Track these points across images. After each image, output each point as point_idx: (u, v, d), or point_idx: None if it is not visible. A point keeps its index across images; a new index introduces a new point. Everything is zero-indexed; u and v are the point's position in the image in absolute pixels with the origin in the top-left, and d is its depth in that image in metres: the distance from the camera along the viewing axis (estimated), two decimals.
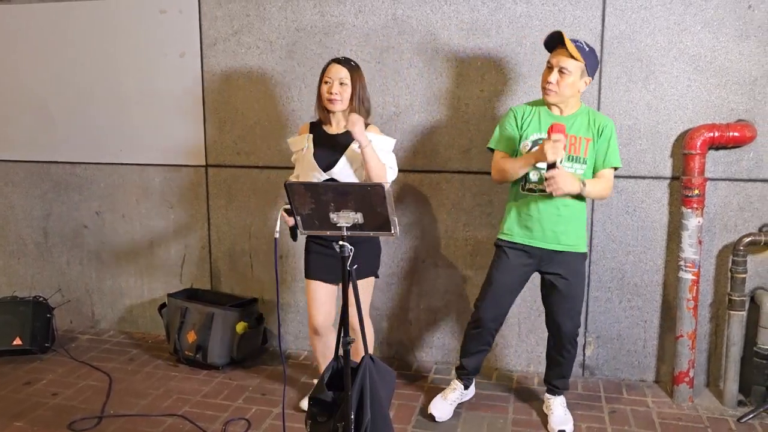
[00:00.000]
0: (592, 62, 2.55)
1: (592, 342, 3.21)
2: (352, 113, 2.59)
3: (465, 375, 2.89)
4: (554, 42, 2.54)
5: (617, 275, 3.12)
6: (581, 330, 3.19)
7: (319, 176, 2.64)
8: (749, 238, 2.86)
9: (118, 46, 3.61)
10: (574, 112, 2.61)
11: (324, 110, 2.69)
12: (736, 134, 2.84)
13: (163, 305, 3.55)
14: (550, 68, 2.55)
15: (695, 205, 2.87)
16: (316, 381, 2.77)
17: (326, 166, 2.64)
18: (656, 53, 2.94)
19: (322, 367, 2.84)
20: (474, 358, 2.84)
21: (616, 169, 2.64)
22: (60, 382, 3.19)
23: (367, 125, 2.69)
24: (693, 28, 2.89)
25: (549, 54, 2.58)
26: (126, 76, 3.62)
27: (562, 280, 2.65)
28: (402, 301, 3.39)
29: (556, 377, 2.82)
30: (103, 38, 3.62)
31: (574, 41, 2.51)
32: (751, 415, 2.79)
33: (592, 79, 2.60)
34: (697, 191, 2.86)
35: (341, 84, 2.63)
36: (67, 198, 3.84)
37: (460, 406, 2.92)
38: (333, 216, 2.00)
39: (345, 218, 1.99)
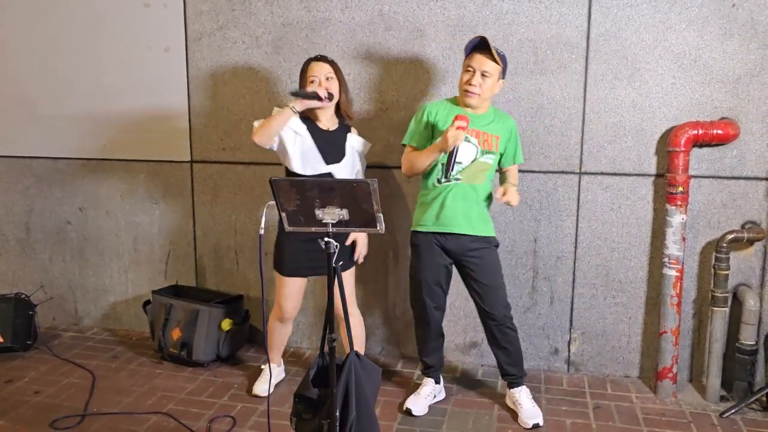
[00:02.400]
0: (505, 65, 2.71)
1: (577, 338, 3.23)
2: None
3: (430, 371, 2.95)
4: (475, 47, 2.66)
5: (602, 272, 3.14)
6: (566, 326, 3.22)
7: (321, 169, 2.71)
8: (732, 235, 2.89)
9: (102, 40, 3.56)
10: (486, 113, 2.74)
11: (312, 108, 2.72)
12: (719, 132, 2.87)
13: (147, 302, 3.52)
14: (470, 71, 2.65)
15: (679, 202, 2.89)
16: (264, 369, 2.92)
17: (332, 160, 2.73)
18: (641, 51, 2.95)
19: (277, 357, 3.04)
20: (426, 353, 2.93)
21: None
22: (42, 380, 3.15)
23: (350, 126, 2.83)
24: (678, 26, 2.91)
25: (466, 60, 2.68)
26: (110, 71, 3.58)
27: (477, 265, 2.73)
28: (388, 298, 3.39)
29: (508, 364, 2.83)
30: (87, 32, 3.58)
31: (493, 47, 2.64)
32: (733, 410, 2.83)
33: (504, 81, 2.75)
34: (681, 188, 2.88)
35: (328, 79, 2.70)
36: (50, 193, 3.79)
37: (446, 402, 2.93)
38: (318, 212, 1.99)
39: (330, 215, 1.98)
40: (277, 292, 2.90)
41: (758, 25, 2.84)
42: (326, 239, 2.01)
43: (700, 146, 2.94)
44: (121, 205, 3.70)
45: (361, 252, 2.87)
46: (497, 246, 2.80)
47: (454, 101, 2.79)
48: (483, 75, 2.62)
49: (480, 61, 2.62)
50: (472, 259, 2.73)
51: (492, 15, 3.06)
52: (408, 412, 2.81)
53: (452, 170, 2.58)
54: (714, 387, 2.95)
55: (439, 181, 2.72)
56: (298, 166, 2.73)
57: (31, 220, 3.85)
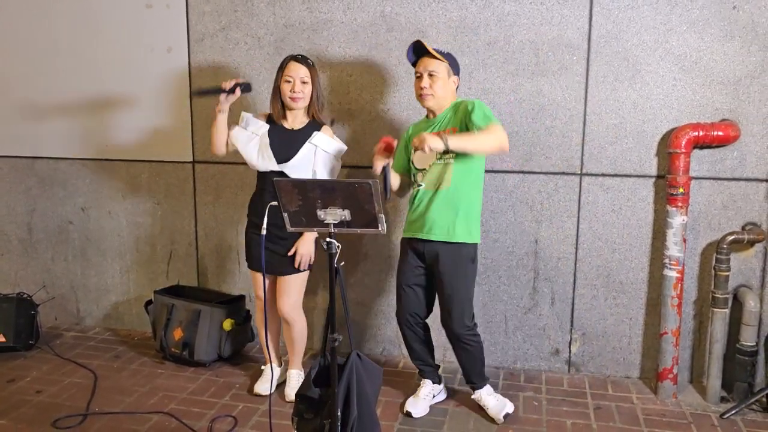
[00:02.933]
0: (453, 62, 2.73)
1: (577, 339, 3.23)
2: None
3: (423, 373, 2.95)
4: (417, 55, 2.72)
5: (603, 273, 3.15)
6: (567, 327, 3.23)
7: (271, 166, 2.78)
8: (733, 237, 2.90)
9: (104, 41, 3.57)
10: (443, 112, 2.74)
11: (281, 106, 2.81)
12: (720, 133, 2.87)
13: (149, 302, 3.53)
14: (419, 77, 2.70)
15: (680, 204, 2.90)
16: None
17: (282, 159, 2.77)
18: (642, 53, 2.96)
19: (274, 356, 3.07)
20: (414, 354, 2.92)
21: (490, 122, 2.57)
22: (44, 380, 3.16)
23: (322, 124, 2.86)
24: (679, 28, 2.91)
25: (415, 68, 2.73)
26: (112, 71, 3.59)
27: (441, 273, 2.72)
28: (389, 299, 3.39)
29: (466, 373, 2.86)
30: (90, 33, 3.59)
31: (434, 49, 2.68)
32: (733, 411, 2.83)
33: (459, 77, 2.78)
34: (681, 190, 2.89)
35: (303, 83, 2.77)
36: (52, 194, 3.80)
37: (447, 403, 2.94)
38: (320, 213, 2.00)
39: (332, 215, 1.99)
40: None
41: (759, 27, 2.85)
42: (327, 240, 2.01)
43: (701, 148, 2.95)
44: (123, 205, 3.71)
45: (302, 258, 2.82)
46: (472, 258, 2.73)
47: (426, 117, 2.82)
48: (430, 75, 2.65)
49: (424, 63, 2.67)
50: (437, 266, 2.71)
51: (493, 16, 3.07)
52: (408, 414, 2.81)
53: (387, 194, 2.60)
54: (714, 388, 2.96)
55: (416, 186, 2.77)
56: (252, 164, 2.84)
57: (33, 220, 3.86)
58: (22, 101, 3.76)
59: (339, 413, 2.06)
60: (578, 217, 3.13)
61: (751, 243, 2.94)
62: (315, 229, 2.06)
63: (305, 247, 2.82)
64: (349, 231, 2.03)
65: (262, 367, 3.12)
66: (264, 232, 2.13)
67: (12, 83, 3.76)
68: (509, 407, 2.80)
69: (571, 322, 3.22)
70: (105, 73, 3.60)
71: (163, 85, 3.53)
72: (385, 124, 3.25)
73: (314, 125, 2.84)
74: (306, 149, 2.78)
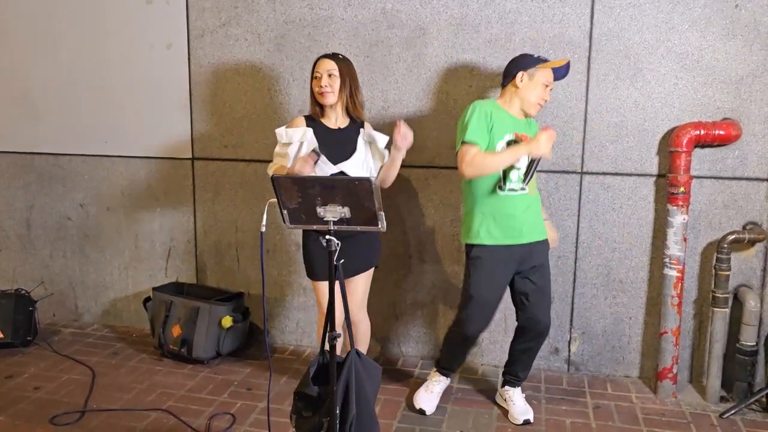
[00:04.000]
0: None
1: (577, 338, 3.23)
2: (404, 127, 2.61)
3: (447, 371, 2.94)
4: (562, 72, 2.71)
5: (603, 271, 3.14)
6: (567, 326, 3.22)
7: (328, 170, 2.62)
8: (733, 236, 2.89)
9: (103, 37, 3.56)
10: (530, 119, 2.74)
11: (317, 105, 2.69)
12: (721, 133, 2.86)
13: (147, 299, 3.52)
14: (548, 87, 2.66)
15: (681, 203, 2.89)
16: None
17: (339, 159, 2.64)
18: (644, 51, 2.95)
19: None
20: (460, 360, 2.93)
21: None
22: (42, 376, 3.15)
23: (362, 122, 2.75)
24: (681, 26, 2.90)
25: (543, 74, 2.65)
26: (112, 67, 3.57)
27: (538, 271, 2.70)
28: (388, 296, 3.39)
29: (523, 369, 2.85)
30: (89, 28, 3.57)
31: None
32: (733, 411, 2.83)
33: None
34: (682, 189, 2.88)
35: (330, 76, 2.63)
36: (51, 190, 3.79)
37: (446, 401, 2.93)
38: (320, 210, 1.98)
39: (332, 212, 1.98)
40: (317, 300, 2.80)
41: (761, 26, 2.84)
42: (327, 237, 2.00)
43: (702, 147, 2.94)
44: (122, 201, 3.70)
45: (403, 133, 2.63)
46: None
47: (496, 104, 2.68)
48: (547, 88, 2.66)
49: (552, 77, 2.66)
50: (534, 265, 2.68)
51: (495, 14, 3.06)
52: (421, 412, 2.81)
53: (531, 177, 2.57)
54: (714, 387, 2.95)
55: (500, 188, 2.61)
56: (303, 173, 2.68)
57: (32, 216, 3.85)
58: (21, 97, 3.75)
59: (338, 411, 2.05)
60: (578, 215, 3.12)
61: (752, 242, 2.94)
62: (314, 227, 2.05)
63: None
64: (348, 228, 2.02)
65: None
66: (263, 229, 2.11)
67: (11, 79, 3.75)
68: (531, 415, 2.76)
69: (571, 321, 3.22)
70: (105, 69, 3.59)
71: (162, 81, 3.51)
72: (385, 122, 3.24)
73: (356, 122, 2.73)
74: (361, 145, 2.69)
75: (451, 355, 2.89)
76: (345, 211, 1.97)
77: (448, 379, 2.96)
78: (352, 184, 1.96)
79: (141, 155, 3.62)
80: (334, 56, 2.68)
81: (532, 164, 2.58)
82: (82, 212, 3.77)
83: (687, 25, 2.90)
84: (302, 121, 2.69)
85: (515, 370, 2.85)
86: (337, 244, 2.00)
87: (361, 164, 2.68)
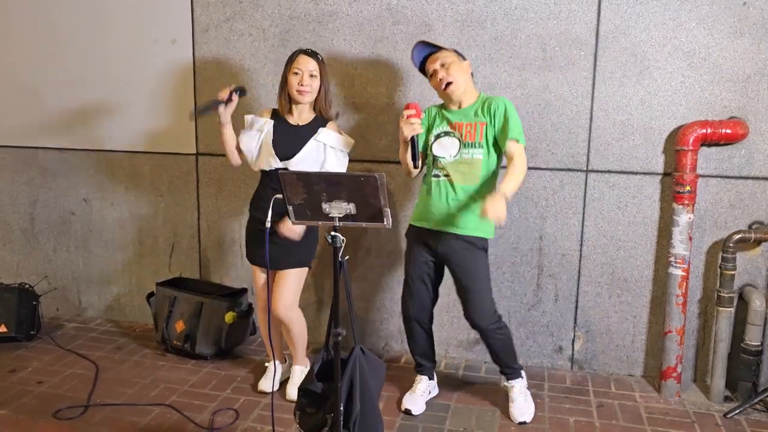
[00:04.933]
0: (454, 50, 2.72)
1: (581, 336, 3.22)
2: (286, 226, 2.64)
3: (422, 368, 2.93)
4: (421, 59, 2.71)
5: (607, 270, 3.13)
6: (571, 324, 3.21)
7: (273, 164, 2.71)
8: (739, 235, 2.88)
9: (108, 31, 3.56)
10: (472, 103, 2.69)
11: (288, 100, 2.75)
12: (728, 131, 2.85)
13: (151, 294, 3.52)
14: (433, 74, 2.65)
15: (686, 202, 2.88)
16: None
17: (284, 156, 2.70)
18: (651, 49, 2.94)
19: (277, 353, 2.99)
20: (418, 348, 2.90)
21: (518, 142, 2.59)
22: (46, 370, 3.15)
23: (328, 120, 2.80)
24: (688, 24, 2.89)
25: (425, 70, 2.72)
26: (116, 62, 3.57)
27: (459, 268, 2.69)
28: (392, 293, 3.38)
29: (497, 362, 2.85)
30: (94, 23, 3.57)
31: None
32: (737, 411, 2.82)
33: (468, 60, 2.74)
34: (688, 187, 2.87)
35: (311, 76, 2.70)
36: (55, 184, 3.79)
37: (449, 398, 2.93)
38: (325, 206, 1.98)
39: (337, 209, 1.97)
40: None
41: None
42: (332, 233, 2.00)
43: (709, 145, 2.92)
44: (125, 196, 3.70)
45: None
46: (485, 249, 2.70)
47: (441, 105, 2.77)
48: (443, 66, 2.62)
49: (432, 60, 2.65)
50: (453, 260, 2.68)
51: (500, 10, 3.04)
52: (408, 412, 2.79)
53: (417, 159, 2.62)
54: (718, 387, 2.94)
55: (431, 176, 2.70)
56: (254, 163, 2.80)
57: (36, 211, 3.85)
58: (25, 92, 3.75)
59: (342, 408, 2.05)
60: (583, 213, 3.11)
61: (758, 242, 2.92)
62: (319, 223, 2.04)
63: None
64: (354, 225, 2.01)
65: (266, 364, 3.11)
66: (268, 225, 2.11)
67: (15, 74, 3.74)
68: (529, 416, 2.74)
69: (575, 319, 3.21)
70: (109, 64, 3.58)
71: (167, 76, 3.51)
72: (390, 119, 3.23)
73: (320, 121, 2.78)
74: (310, 146, 2.71)
75: (408, 343, 2.92)
76: (350, 207, 1.97)
77: (425, 377, 2.91)
78: (358, 180, 1.95)
79: (145, 150, 3.62)
80: (315, 56, 2.74)
81: (413, 147, 2.60)
82: (86, 207, 3.77)
83: (694, 22, 2.88)
84: (268, 113, 2.83)
85: (496, 363, 2.87)
86: (343, 240, 2.00)
87: (308, 163, 2.71)
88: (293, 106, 2.77)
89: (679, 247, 2.91)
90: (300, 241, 2.74)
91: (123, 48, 3.55)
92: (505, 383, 2.86)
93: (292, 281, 2.80)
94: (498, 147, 2.64)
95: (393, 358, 3.37)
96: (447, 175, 2.64)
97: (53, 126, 3.73)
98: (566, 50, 3.01)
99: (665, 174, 3.01)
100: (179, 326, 3.31)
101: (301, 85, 2.68)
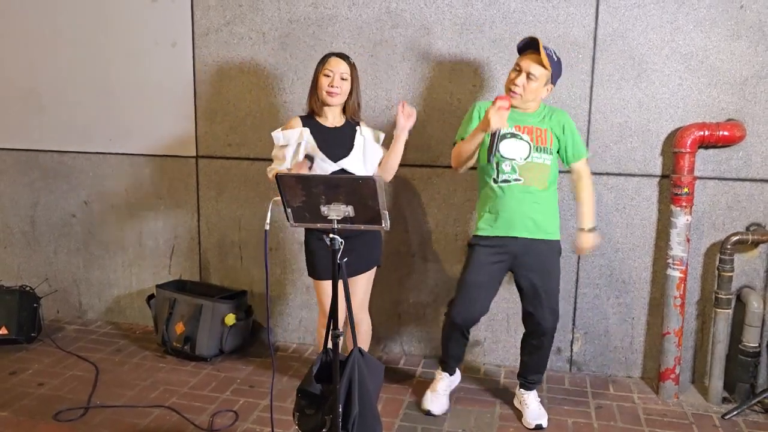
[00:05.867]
0: (557, 71, 2.63)
1: (579, 338, 3.23)
2: (408, 107, 2.64)
3: (449, 367, 2.93)
4: (527, 46, 2.60)
5: (606, 272, 3.14)
6: (569, 326, 3.22)
7: (329, 168, 2.62)
8: (737, 237, 2.89)
9: (108, 35, 3.57)
10: (536, 110, 2.68)
11: (319, 103, 2.69)
12: (725, 133, 2.86)
13: (151, 296, 3.53)
14: (518, 71, 2.60)
15: (684, 204, 2.89)
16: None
17: (338, 156, 2.64)
18: (648, 51, 2.95)
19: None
20: (456, 353, 2.89)
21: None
22: (46, 372, 3.17)
23: (358, 122, 2.74)
24: (685, 27, 2.90)
25: (519, 56, 2.63)
26: (116, 65, 3.58)
27: (536, 272, 2.66)
28: (391, 295, 3.39)
29: (531, 372, 2.82)
30: (94, 26, 3.58)
31: (546, 49, 2.55)
32: (735, 412, 2.82)
33: (554, 86, 2.68)
34: (686, 189, 2.88)
35: (342, 78, 2.64)
36: (56, 187, 3.81)
37: (449, 400, 2.94)
38: (324, 209, 1.99)
39: (336, 211, 1.98)
40: (318, 300, 2.81)
41: (766, 27, 2.84)
42: (331, 235, 2.01)
43: (706, 147, 2.94)
44: (126, 199, 3.71)
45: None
46: (560, 252, 2.74)
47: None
48: (528, 77, 2.56)
49: (528, 60, 2.56)
50: (535, 264, 2.65)
51: (499, 14, 3.06)
52: (428, 413, 2.79)
53: (495, 152, 2.48)
54: (716, 389, 2.95)
55: (495, 181, 2.64)
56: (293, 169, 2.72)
57: (37, 213, 3.87)
58: (26, 94, 3.76)
59: (340, 409, 2.06)
60: None
61: (756, 244, 2.93)
62: (318, 225, 2.05)
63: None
64: (352, 227, 2.03)
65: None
66: (267, 227, 2.12)
67: (16, 76, 3.76)
68: (545, 420, 2.74)
69: (573, 321, 3.22)
70: (109, 66, 3.60)
71: (167, 79, 3.52)
72: (390, 121, 3.25)
73: (353, 122, 2.73)
74: (359, 142, 2.68)
75: (445, 347, 2.88)
76: (349, 210, 1.98)
77: (450, 376, 2.94)
78: (356, 182, 1.96)
79: (145, 153, 3.63)
80: (346, 58, 2.68)
81: (493, 140, 2.45)
82: (87, 209, 3.78)
83: (692, 25, 2.89)
84: (298, 121, 2.69)
85: (524, 373, 2.84)
86: (341, 242, 2.01)
87: (360, 160, 2.68)
88: (324, 110, 2.70)
89: (677, 248, 2.92)
90: (369, 244, 2.71)
91: (123, 51, 3.56)
92: (523, 391, 2.84)
93: (364, 282, 2.79)
94: (556, 158, 2.68)
95: (391, 359, 3.38)
96: (518, 179, 2.61)
97: (54, 129, 3.74)
98: (564, 53, 3.01)
99: (663, 176, 3.02)
100: (179, 328, 3.32)
101: (332, 86, 2.62)
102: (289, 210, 2.05)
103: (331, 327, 2.12)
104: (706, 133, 2.86)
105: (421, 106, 3.21)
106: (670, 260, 2.94)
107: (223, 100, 3.46)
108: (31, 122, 3.78)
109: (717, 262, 2.94)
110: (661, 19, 2.92)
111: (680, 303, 2.95)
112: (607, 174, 3.07)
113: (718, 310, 2.93)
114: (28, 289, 3.58)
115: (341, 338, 2.11)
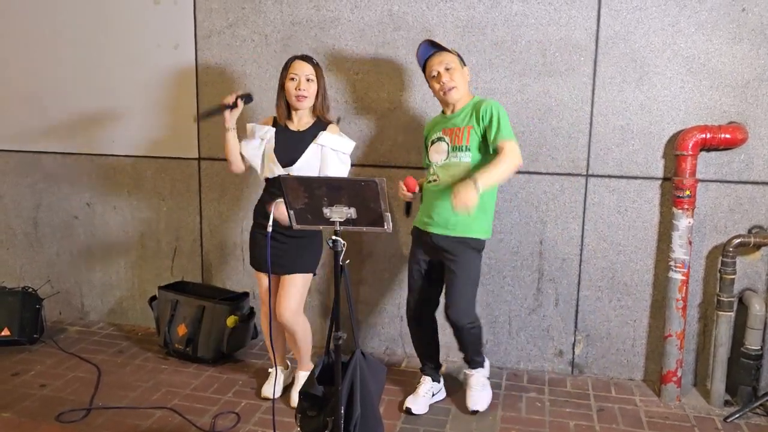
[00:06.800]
0: (458, 55, 2.76)
1: (581, 340, 3.23)
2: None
3: (424, 368, 2.97)
4: (425, 57, 2.72)
5: (607, 274, 3.14)
6: (571, 328, 3.22)
7: (276, 171, 2.71)
8: (738, 240, 2.89)
9: (111, 37, 3.58)
10: (462, 107, 2.73)
11: (287, 107, 2.77)
12: (727, 136, 2.86)
13: (153, 298, 3.54)
14: (436, 75, 2.68)
15: (686, 206, 2.89)
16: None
17: (287, 162, 2.71)
18: (650, 54, 2.95)
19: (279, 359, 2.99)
20: (421, 351, 2.97)
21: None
22: (48, 374, 3.17)
23: (328, 123, 2.80)
24: (687, 30, 2.91)
25: (427, 69, 2.73)
26: (119, 67, 3.59)
27: (450, 268, 2.73)
28: (393, 297, 3.40)
29: (462, 350, 2.89)
30: (97, 28, 3.59)
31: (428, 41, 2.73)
32: (737, 415, 2.82)
33: (467, 66, 2.79)
34: (688, 192, 2.88)
35: (308, 80, 2.71)
36: (58, 189, 3.81)
37: (449, 402, 2.94)
38: (326, 211, 2.00)
39: (338, 213, 1.99)
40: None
41: None
42: (333, 237, 2.01)
43: (708, 150, 2.94)
44: (128, 201, 3.72)
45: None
46: (477, 249, 2.74)
47: (441, 113, 2.83)
48: (447, 69, 2.66)
49: (438, 60, 2.67)
50: (446, 259, 2.73)
51: (501, 16, 3.06)
52: (408, 411, 2.82)
53: (409, 212, 2.88)
54: (718, 391, 2.95)
55: (428, 182, 2.79)
56: (260, 172, 2.82)
57: (39, 215, 3.87)
58: (28, 96, 3.77)
59: (342, 411, 2.06)
60: (583, 218, 3.12)
61: (758, 246, 2.93)
62: (320, 227, 2.06)
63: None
64: (354, 229, 2.03)
65: (269, 370, 3.09)
66: (270, 229, 2.13)
67: (19, 78, 3.77)
68: (483, 406, 2.81)
69: (575, 323, 3.22)
70: (112, 68, 3.61)
71: (169, 81, 3.53)
72: (392, 123, 3.25)
73: (320, 125, 2.78)
74: (311, 150, 2.71)
75: (413, 343, 2.99)
76: (351, 212, 1.98)
77: (432, 379, 2.94)
78: (359, 185, 1.97)
79: (147, 155, 3.64)
80: (310, 60, 2.76)
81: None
82: (89, 211, 3.79)
83: (693, 28, 2.90)
84: (270, 120, 2.85)
85: (462, 353, 2.92)
86: (343, 245, 2.01)
87: (308, 168, 2.71)
88: (293, 113, 2.78)
89: (678, 251, 2.92)
90: (305, 247, 2.75)
91: (126, 53, 3.57)
92: (466, 371, 2.92)
93: (297, 287, 2.80)
94: (488, 149, 2.65)
95: (394, 361, 3.38)
96: (436, 180, 2.73)
97: (56, 130, 3.75)
98: (566, 56, 3.02)
99: (665, 179, 3.02)
100: (181, 330, 3.33)
101: (299, 90, 2.68)
102: (291, 212, 2.06)
103: (333, 328, 2.12)
104: (708, 135, 2.86)
105: (422, 109, 3.22)
106: (672, 263, 2.94)
107: None
108: (33, 124, 3.79)
109: (719, 265, 2.94)
110: (662, 21, 2.92)
111: (682, 305, 2.95)
112: (609, 176, 3.07)
113: (720, 312, 2.93)
114: (30, 290, 3.59)
115: (342, 340, 2.11)
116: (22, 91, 3.78)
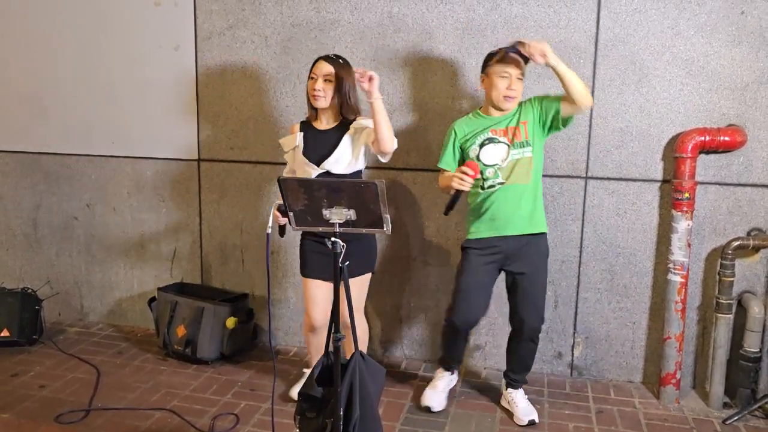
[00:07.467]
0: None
1: (580, 342, 3.23)
2: (360, 72, 2.56)
3: (450, 366, 2.98)
4: (508, 52, 2.66)
5: (606, 276, 3.15)
6: (570, 331, 3.22)
7: (312, 171, 2.68)
8: (738, 242, 2.89)
9: (111, 38, 3.59)
10: (511, 111, 2.72)
11: (311, 107, 2.75)
12: (726, 139, 2.87)
13: (152, 299, 3.54)
14: (505, 77, 2.64)
15: (685, 209, 2.89)
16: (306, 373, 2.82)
17: (318, 160, 2.68)
18: (650, 57, 2.96)
19: (314, 361, 2.82)
20: (456, 354, 2.98)
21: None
22: (48, 375, 3.17)
23: (354, 119, 2.73)
24: (686, 32, 2.91)
25: (503, 65, 2.63)
26: (119, 68, 3.60)
27: (525, 269, 2.71)
28: (392, 299, 3.40)
29: (517, 371, 2.88)
30: (97, 29, 3.60)
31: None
32: (736, 417, 2.82)
33: None
34: (687, 194, 2.88)
35: (325, 80, 2.67)
36: (58, 189, 3.82)
37: (449, 403, 2.94)
38: (326, 212, 2.00)
39: (338, 215, 1.99)
40: (304, 299, 2.85)
41: (767, 33, 2.84)
42: (333, 239, 2.02)
43: (707, 153, 2.94)
44: (128, 202, 3.72)
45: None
46: (547, 251, 2.79)
47: (478, 114, 2.77)
48: (519, 79, 2.65)
49: (515, 65, 2.62)
50: (525, 260, 2.71)
51: (501, 18, 3.07)
52: (427, 409, 2.84)
53: (450, 210, 2.63)
54: (717, 394, 2.95)
55: (482, 188, 2.70)
56: (298, 175, 2.78)
57: (39, 216, 3.88)
58: (28, 97, 3.77)
59: (341, 413, 2.06)
60: (583, 220, 3.12)
61: (756, 249, 2.94)
62: (320, 229, 2.06)
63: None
64: (354, 231, 2.03)
65: (304, 370, 3.05)
66: (269, 230, 2.13)
67: (19, 79, 3.77)
68: (536, 415, 2.79)
69: (574, 325, 3.22)
70: (112, 70, 3.61)
71: (169, 82, 3.54)
72: (392, 125, 3.24)
73: (345, 125, 2.72)
74: (346, 142, 2.68)
75: (446, 349, 2.96)
76: (351, 214, 1.99)
77: (451, 374, 2.98)
78: (358, 186, 1.97)
79: (147, 156, 3.64)
80: (332, 60, 2.71)
81: (453, 198, 2.60)
82: (89, 212, 3.79)
83: (693, 31, 2.90)
84: (297, 127, 2.80)
85: (510, 372, 2.89)
86: (343, 246, 2.02)
87: (342, 158, 2.69)
88: (319, 112, 2.75)
89: (678, 253, 2.92)
90: (362, 249, 2.70)
91: (126, 54, 3.58)
92: (510, 391, 2.89)
93: (356, 287, 2.71)
94: (540, 145, 2.70)
95: (393, 363, 3.38)
96: (502, 182, 2.67)
97: (56, 131, 3.76)
98: (566, 58, 3.00)
99: (664, 181, 3.02)
100: (180, 331, 3.33)
101: (314, 89, 2.65)
102: (291, 213, 2.06)
103: (332, 330, 2.12)
104: (707, 138, 2.86)
105: (422, 111, 3.22)
106: (671, 265, 2.95)
107: (225, 104, 3.47)
108: (33, 125, 3.79)
109: (718, 267, 2.95)
110: (662, 24, 2.92)
111: (681, 308, 2.95)
112: (608, 179, 3.08)
113: (719, 315, 2.93)
114: (29, 291, 3.59)
115: (342, 341, 2.11)
116: (22, 92, 3.78)
